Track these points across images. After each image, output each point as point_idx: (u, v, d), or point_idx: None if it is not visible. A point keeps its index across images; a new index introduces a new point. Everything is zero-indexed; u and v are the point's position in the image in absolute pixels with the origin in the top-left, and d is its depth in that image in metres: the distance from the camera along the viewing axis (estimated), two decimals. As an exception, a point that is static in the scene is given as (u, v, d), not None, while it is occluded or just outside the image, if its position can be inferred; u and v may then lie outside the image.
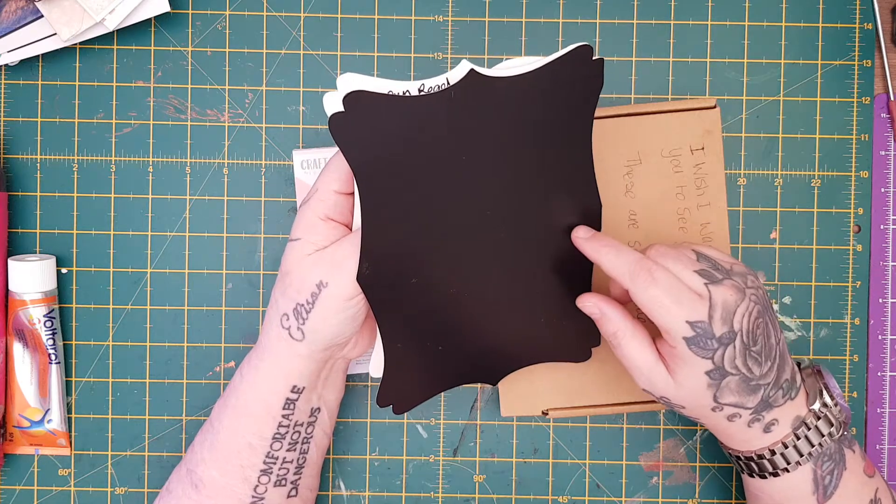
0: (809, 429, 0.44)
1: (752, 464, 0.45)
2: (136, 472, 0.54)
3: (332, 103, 0.39)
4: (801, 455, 0.44)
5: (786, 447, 0.44)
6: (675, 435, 0.54)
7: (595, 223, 0.46)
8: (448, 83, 0.40)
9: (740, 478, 0.54)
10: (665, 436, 0.54)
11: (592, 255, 0.44)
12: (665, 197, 0.51)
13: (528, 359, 0.49)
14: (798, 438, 0.44)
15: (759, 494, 0.46)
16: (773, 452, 0.44)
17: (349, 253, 0.41)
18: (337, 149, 0.43)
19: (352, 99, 0.38)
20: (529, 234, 0.44)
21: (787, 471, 0.44)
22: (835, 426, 0.44)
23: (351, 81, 0.38)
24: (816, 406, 0.44)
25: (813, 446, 0.44)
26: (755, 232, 0.54)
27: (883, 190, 0.54)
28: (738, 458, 0.46)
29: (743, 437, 0.44)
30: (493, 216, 0.43)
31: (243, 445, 0.44)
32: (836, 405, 0.45)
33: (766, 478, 0.45)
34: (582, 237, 0.44)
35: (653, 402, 0.51)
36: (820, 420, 0.44)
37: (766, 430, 0.44)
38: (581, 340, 0.49)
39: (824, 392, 0.45)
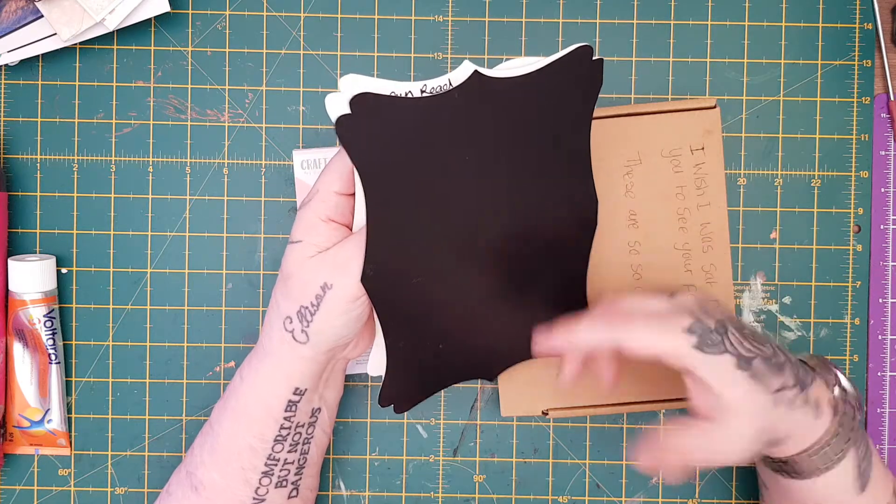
0: (845, 413, 0.43)
1: (806, 462, 0.43)
2: (136, 472, 0.54)
3: (335, 105, 0.39)
4: (847, 441, 0.43)
5: (835, 435, 0.43)
6: (675, 435, 0.54)
7: (592, 222, 0.46)
8: (450, 84, 0.40)
9: (740, 478, 0.54)
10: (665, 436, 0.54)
11: (569, 350, 0.44)
12: (665, 197, 0.51)
13: (524, 354, 0.49)
14: (841, 425, 0.43)
15: (799, 497, 0.45)
16: (825, 444, 0.43)
17: (353, 254, 0.41)
18: (337, 149, 0.43)
19: (358, 101, 0.38)
20: (529, 231, 0.45)
21: (839, 460, 0.43)
22: (857, 409, 0.44)
23: (354, 83, 0.38)
24: (836, 392, 0.44)
25: (852, 430, 0.43)
26: (755, 232, 0.54)
27: (883, 190, 0.54)
28: (790, 461, 0.44)
29: (805, 421, 0.42)
30: (494, 214, 0.43)
31: (244, 448, 0.44)
32: (853, 388, 0.45)
33: (819, 475, 0.43)
34: (541, 343, 0.44)
35: (653, 402, 0.51)
36: (846, 404, 0.44)
37: (817, 412, 0.42)
38: None
39: (840, 377, 0.44)
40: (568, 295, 0.47)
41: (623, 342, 0.41)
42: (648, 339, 0.41)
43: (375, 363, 0.45)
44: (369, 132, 0.39)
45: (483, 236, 0.44)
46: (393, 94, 0.39)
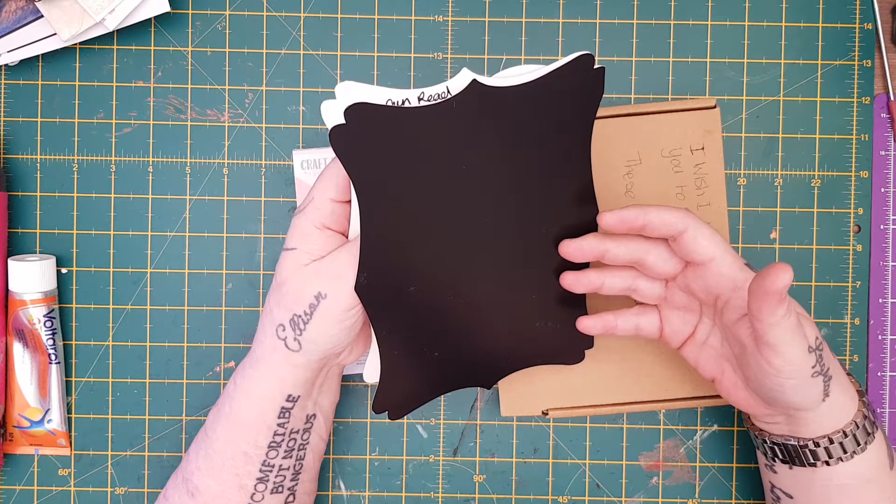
0: (864, 394, 0.44)
1: (841, 443, 0.43)
2: (136, 472, 0.54)
3: (331, 112, 0.39)
4: (875, 420, 0.44)
5: (865, 417, 0.43)
6: (675, 435, 0.54)
7: (592, 230, 0.46)
8: (448, 91, 0.39)
9: (740, 477, 0.54)
10: (665, 436, 0.54)
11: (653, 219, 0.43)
12: (665, 197, 0.51)
13: (523, 362, 0.48)
14: (866, 405, 0.43)
15: (828, 485, 0.44)
16: (859, 422, 0.43)
17: (348, 263, 0.41)
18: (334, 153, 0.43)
19: (353, 111, 0.37)
20: (526, 240, 0.44)
21: (874, 437, 0.43)
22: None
23: (350, 90, 0.38)
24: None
25: (874, 411, 0.44)
26: (755, 232, 0.54)
27: (883, 190, 0.54)
28: (823, 442, 0.43)
29: (841, 399, 0.42)
30: (491, 223, 0.43)
31: (238, 454, 0.44)
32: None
33: (852, 458, 0.43)
34: (609, 217, 0.43)
35: (653, 402, 0.51)
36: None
37: (842, 392, 0.43)
38: (574, 343, 0.49)
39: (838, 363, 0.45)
40: (567, 304, 0.47)
41: (694, 240, 0.42)
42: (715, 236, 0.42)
43: (371, 370, 0.45)
44: (364, 142, 0.38)
45: (480, 245, 0.43)
46: (389, 103, 0.39)
